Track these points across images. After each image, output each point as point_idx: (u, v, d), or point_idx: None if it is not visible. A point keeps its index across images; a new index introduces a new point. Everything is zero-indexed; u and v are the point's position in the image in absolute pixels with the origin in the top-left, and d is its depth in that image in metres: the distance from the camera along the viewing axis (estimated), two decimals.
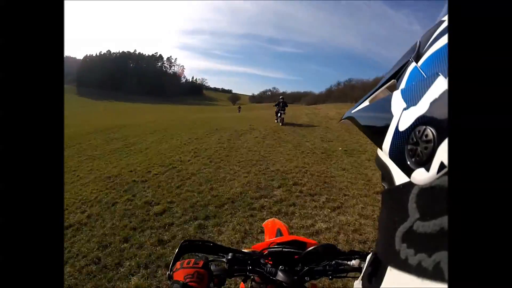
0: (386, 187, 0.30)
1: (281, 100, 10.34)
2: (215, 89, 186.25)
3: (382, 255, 0.28)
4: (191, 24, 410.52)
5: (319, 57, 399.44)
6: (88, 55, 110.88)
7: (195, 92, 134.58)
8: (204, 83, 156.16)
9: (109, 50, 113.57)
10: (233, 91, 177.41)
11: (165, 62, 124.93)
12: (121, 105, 54.26)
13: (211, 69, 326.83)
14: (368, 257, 0.37)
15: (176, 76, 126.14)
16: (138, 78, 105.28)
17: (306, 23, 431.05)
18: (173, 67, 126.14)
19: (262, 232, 2.31)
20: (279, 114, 10.04)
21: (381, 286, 0.27)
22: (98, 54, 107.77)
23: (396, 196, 0.26)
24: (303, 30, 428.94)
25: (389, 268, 0.26)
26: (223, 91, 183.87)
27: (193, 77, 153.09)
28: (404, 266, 0.22)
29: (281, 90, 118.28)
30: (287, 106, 10.30)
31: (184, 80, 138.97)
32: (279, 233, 0.97)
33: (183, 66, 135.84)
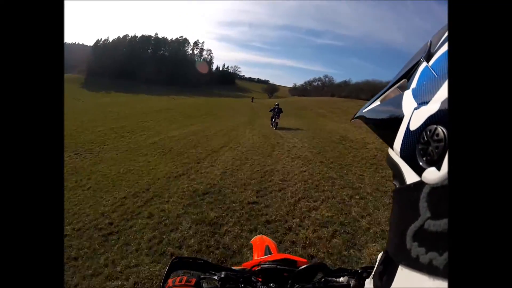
0: (397, 186, 0.29)
1: (276, 106, 11.28)
2: (250, 79, 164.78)
3: (393, 254, 0.28)
4: (230, 15, 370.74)
5: (360, 50, 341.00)
6: (100, 39, 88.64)
7: (226, 81, 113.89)
8: (237, 71, 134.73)
9: (126, 34, 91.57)
10: (270, 82, 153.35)
11: (192, 46, 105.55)
12: (122, 97, 40.53)
13: (249, 61, 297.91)
14: (379, 255, 0.36)
15: (206, 64, 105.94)
16: (158, 65, 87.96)
17: (346, 15, 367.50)
18: (198, 51, 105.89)
19: None
20: (273, 119, 11.09)
21: (392, 284, 0.27)
22: (113, 39, 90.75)
23: (407, 195, 0.26)
24: (344, 22, 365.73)
25: (400, 266, 0.26)
26: (259, 81, 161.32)
27: (224, 65, 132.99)
28: (415, 265, 0.22)
29: (336, 80, 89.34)
30: (282, 112, 11.29)
31: (214, 68, 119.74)
32: (268, 250, 0.96)
33: (210, 50, 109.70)
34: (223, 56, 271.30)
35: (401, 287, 0.26)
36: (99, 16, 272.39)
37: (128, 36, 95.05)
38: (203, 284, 0.58)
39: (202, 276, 0.61)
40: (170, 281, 0.57)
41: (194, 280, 0.57)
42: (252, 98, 34.50)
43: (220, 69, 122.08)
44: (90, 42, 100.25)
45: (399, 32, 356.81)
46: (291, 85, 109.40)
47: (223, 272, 0.60)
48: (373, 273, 0.37)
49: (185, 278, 0.57)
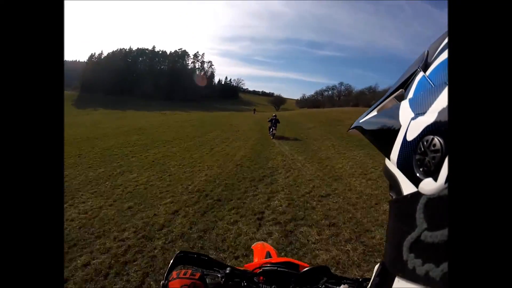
0: (394, 197, 0.29)
1: (274, 117, 11.96)
2: (255, 92, 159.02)
3: (390, 265, 0.28)
4: (231, 31, 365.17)
5: (362, 60, 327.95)
6: (94, 54, 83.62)
7: (229, 95, 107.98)
8: (240, 85, 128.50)
9: (122, 48, 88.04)
10: (275, 95, 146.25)
11: (192, 59, 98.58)
12: (106, 115, 35.23)
13: (252, 75, 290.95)
14: (376, 267, 0.36)
15: (203, 76, 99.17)
16: (156, 79, 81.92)
17: (346, 25, 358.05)
18: (199, 64, 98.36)
19: None
20: (271, 130, 11.67)
21: None
22: (108, 53, 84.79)
23: (404, 206, 0.26)
24: (344, 32, 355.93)
25: (396, 278, 0.25)
26: (264, 94, 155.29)
27: (226, 78, 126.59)
28: (412, 276, 0.22)
29: (357, 88, 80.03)
30: (279, 122, 11.98)
31: (216, 82, 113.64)
32: (269, 255, 0.96)
33: (211, 62, 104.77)
34: (226, 71, 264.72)
35: None
36: (95, 30, 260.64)
37: (124, 50, 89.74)
38: (206, 279, 0.59)
39: (205, 272, 0.62)
40: (174, 273, 0.58)
41: (198, 274, 0.58)
42: (254, 109, 32.00)
43: (223, 83, 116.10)
44: (85, 58, 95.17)
45: (399, 39, 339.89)
46: (296, 97, 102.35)
47: (228, 268, 0.61)
48: (369, 284, 0.36)
49: (189, 271, 0.59)
